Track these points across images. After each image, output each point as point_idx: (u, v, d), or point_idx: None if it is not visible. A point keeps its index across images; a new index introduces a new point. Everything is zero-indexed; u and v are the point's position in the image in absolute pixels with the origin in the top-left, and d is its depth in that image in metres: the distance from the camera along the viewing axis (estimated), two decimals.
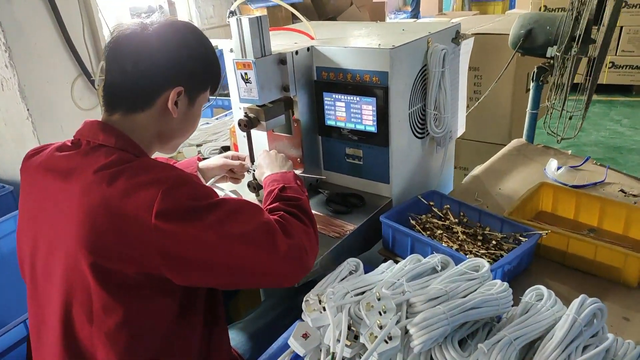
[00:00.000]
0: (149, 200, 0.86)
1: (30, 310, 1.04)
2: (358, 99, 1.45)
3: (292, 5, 1.73)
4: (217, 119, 2.57)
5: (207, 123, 2.43)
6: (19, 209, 1.06)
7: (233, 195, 1.42)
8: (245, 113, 1.41)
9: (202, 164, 1.47)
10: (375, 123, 1.45)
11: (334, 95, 1.49)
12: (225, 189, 1.46)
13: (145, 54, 0.96)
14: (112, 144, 0.96)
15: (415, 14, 9.98)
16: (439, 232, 1.38)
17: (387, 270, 1.09)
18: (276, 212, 1.06)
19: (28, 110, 2.20)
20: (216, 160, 1.50)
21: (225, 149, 2.07)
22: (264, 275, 0.97)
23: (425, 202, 1.49)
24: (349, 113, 1.49)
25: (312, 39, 1.59)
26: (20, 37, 2.12)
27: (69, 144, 1.00)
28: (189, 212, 0.89)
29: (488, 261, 1.22)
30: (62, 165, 0.96)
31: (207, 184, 1.44)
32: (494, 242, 1.34)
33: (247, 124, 1.40)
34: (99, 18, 2.43)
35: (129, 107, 0.99)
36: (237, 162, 1.49)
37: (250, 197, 1.53)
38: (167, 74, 0.98)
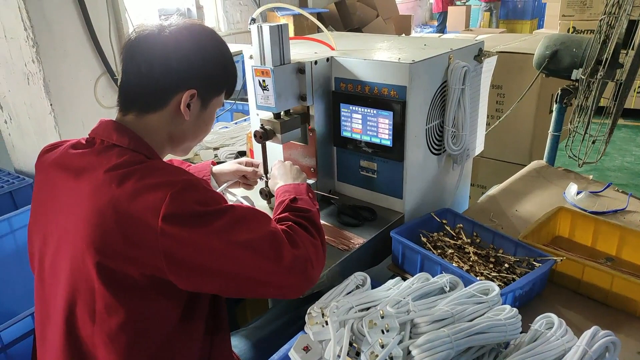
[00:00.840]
0: (156, 203, 0.86)
1: (37, 305, 1.05)
2: (375, 112, 1.44)
3: (317, 14, 1.73)
4: (236, 123, 2.58)
5: (226, 127, 2.44)
6: (32, 203, 1.07)
7: (244, 202, 1.42)
8: (262, 125, 1.41)
9: (215, 169, 1.48)
10: (391, 137, 1.43)
11: (351, 107, 1.48)
12: (237, 195, 1.46)
13: (160, 56, 0.96)
14: (125, 144, 0.96)
15: (442, 29, 9.97)
16: (450, 251, 1.35)
17: (394, 287, 1.08)
18: (285, 222, 1.05)
19: (51, 105, 2.24)
20: (229, 165, 1.50)
21: (242, 153, 2.08)
22: (267, 285, 0.96)
23: (438, 219, 1.47)
24: (365, 125, 1.47)
25: (333, 49, 1.58)
26: (48, 33, 2.17)
27: (84, 142, 1.00)
28: (195, 217, 0.88)
29: (499, 285, 1.19)
30: (75, 163, 0.96)
31: (219, 189, 1.44)
32: (506, 265, 1.31)
33: (263, 136, 1.40)
34: (125, 18, 2.48)
35: (142, 107, 0.99)
36: (250, 169, 1.49)
37: (262, 203, 1.53)
38: (181, 76, 0.98)
